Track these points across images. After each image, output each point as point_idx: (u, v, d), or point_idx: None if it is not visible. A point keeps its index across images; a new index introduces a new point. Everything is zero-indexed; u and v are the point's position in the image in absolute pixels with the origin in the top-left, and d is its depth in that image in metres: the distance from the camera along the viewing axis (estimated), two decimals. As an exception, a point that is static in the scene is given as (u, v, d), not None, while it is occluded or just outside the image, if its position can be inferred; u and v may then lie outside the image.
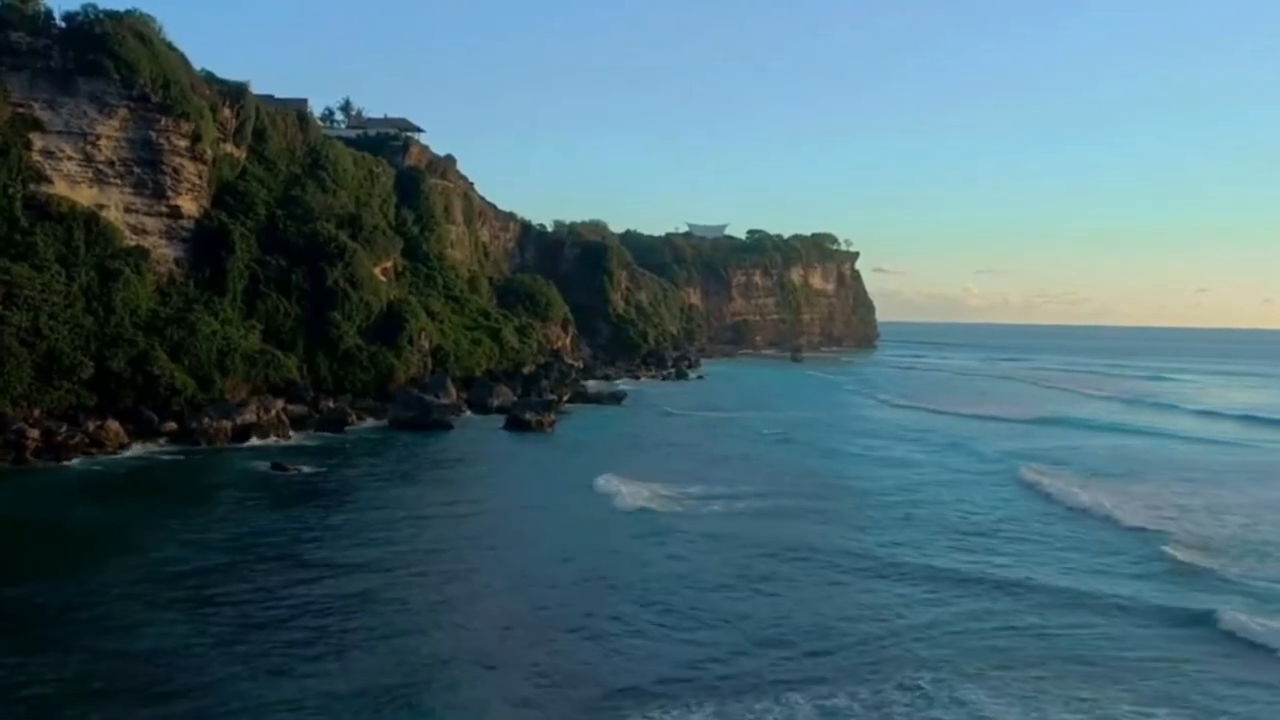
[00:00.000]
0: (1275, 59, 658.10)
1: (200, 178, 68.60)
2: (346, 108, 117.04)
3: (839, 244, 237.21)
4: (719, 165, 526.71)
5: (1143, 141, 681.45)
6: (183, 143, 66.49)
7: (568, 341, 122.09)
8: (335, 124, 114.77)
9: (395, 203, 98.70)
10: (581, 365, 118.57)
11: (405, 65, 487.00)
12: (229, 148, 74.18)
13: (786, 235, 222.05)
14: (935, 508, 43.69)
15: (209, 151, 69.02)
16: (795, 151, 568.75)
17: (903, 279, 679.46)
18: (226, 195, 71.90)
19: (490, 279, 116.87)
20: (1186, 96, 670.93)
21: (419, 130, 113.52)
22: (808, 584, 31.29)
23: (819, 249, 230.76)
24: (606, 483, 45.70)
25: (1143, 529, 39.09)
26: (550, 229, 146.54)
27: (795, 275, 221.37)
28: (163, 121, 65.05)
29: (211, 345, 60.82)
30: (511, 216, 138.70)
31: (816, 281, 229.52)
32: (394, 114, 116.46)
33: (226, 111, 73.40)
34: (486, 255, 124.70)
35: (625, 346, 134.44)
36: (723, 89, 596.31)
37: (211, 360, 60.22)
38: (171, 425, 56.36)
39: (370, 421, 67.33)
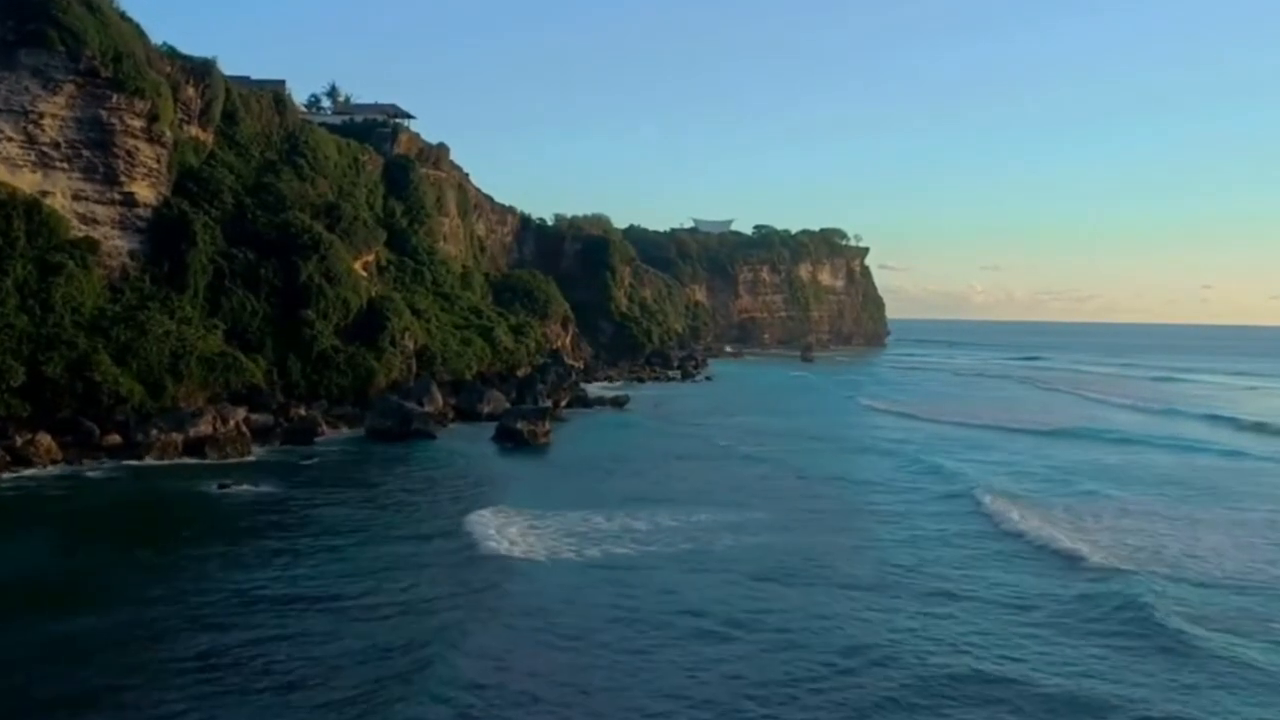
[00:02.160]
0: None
1: (158, 162, 62.12)
2: (333, 93, 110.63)
3: (848, 239, 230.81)
4: (723, 160, 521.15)
5: (1146, 137, 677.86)
6: (137, 123, 60.02)
7: (568, 341, 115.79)
8: (322, 110, 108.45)
9: (383, 193, 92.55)
10: (582, 366, 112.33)
11: (401, 56, 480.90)
12: (193, 130, 67.82)
13: (793, 231, 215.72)
14: (905, 561, 33.45)
15: (168, 133, 62.51)
16: (798, 147, 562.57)
17: (906, 276, 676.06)
18: (189, 182, 65.41)
19: (486, 275, 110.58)
20: (1190, 92, 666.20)
21: (409, 117, 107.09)
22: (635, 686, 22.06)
23: (828, 245, 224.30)
24: (492, 521, 37.04)
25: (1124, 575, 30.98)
26: (551, 223, 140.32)
27: (804, 271, 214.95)
28: (114, 99, 58.58)
29: (164, 347, 54.32)
30: (510, 210, 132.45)
31: (825, 278, 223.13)
32: (386, 102, 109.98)
33: (190, 90, 67.04)
34: (482, 249, 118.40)
35: (628, 346, 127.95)
36: (726, 84, 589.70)
37: (163, 364, 53.74)
38: (115, 438, 49.98)
39: (345, 431, 60.87)
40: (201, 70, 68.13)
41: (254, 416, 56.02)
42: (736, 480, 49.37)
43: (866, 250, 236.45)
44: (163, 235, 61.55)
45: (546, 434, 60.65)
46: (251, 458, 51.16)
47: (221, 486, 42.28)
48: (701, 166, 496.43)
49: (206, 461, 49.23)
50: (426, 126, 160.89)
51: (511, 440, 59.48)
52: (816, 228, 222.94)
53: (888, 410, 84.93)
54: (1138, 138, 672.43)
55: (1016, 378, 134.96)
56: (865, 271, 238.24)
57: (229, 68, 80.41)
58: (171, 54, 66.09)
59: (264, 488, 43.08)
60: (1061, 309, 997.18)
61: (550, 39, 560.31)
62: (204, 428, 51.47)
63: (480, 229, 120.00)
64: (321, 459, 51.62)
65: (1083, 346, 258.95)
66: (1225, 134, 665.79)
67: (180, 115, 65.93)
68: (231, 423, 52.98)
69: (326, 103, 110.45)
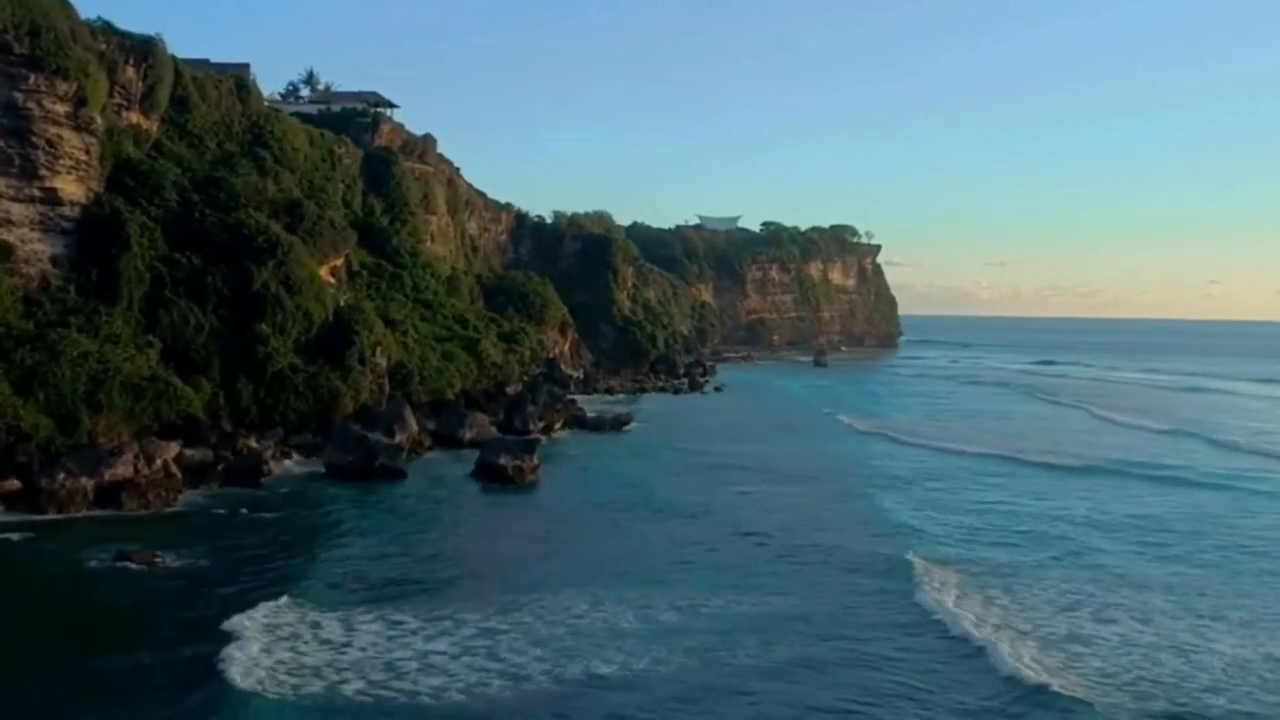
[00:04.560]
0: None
1: (87, 153, 53.78)
2: (311, 81, 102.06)
3: (859, 237, 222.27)
4: (728, 156, 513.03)
5: (1151, 134, 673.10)
6: (61, 107, 51.71)
7: (566, 347, 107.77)
8: (300, 100, 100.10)
9: (361, 189, 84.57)
10: (581, 375, 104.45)
11: (390, 44, 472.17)
12: (134, 116, 59.71)
13: (802, 228, 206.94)
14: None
15: (99, 120, 54.24)
16: (803, 144, 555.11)
17: (912, 272, 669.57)
18: (126, 176, 57.12)
19: (478, 276, 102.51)
20: (1195, 89, 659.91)
21: (392, 106, 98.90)
22: None
23: (838, 242, 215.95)
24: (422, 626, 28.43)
25: None
26: (549, 220, 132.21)
27: (814, 270, 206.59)
28: (32, 79, 50.29)
29: (80, 372, 45.98)
30: (505, 207, 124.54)
31: (836, 277, 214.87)
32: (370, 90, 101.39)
33: (130, 71, 58.93)
34: (474, 249, 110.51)
35: (631, 351, 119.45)
36: (729, 79, 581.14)
37: (77, 393, 45.47)
38: (14, 484, 41.81)
39: (302, 465, 52.78)
40: (143, 49, 59.96)
41: (189, 453, 47.61)
42: (754, 541, 40.78)
43: (878, 248, 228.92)
44: (92, 238, 53.27)
45: (534, 470, 52.46)
46: (178, 507, 42.97)
47: (120, 558, 33.95)
48: (706, 162, 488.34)
49: (123, 513, 41.08)
50: (413, 117, 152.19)
51: (493, 478, 51.33)
52: (825, 224, 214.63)
53: (913, 443, 70.92)
54: (1142, 134, 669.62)
55: (1039, 389, 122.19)
56: (877, 270, 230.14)
57: (204, 53, 73.07)
58: (107, 30, 57.84)
59: (174, 559, 34.71)
60: (1067, 304, 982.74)
61: (549, 29, 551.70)
62: (123, 470, 43.10)
63: (472, 227, 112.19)
64: (260, 507, 43.12)
65: (1095, 347, 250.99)
66: (1231, 130, 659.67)
67: (118, 100, 57.89)
68: (158, 462, 44.56)
69: (305, 91, 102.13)
